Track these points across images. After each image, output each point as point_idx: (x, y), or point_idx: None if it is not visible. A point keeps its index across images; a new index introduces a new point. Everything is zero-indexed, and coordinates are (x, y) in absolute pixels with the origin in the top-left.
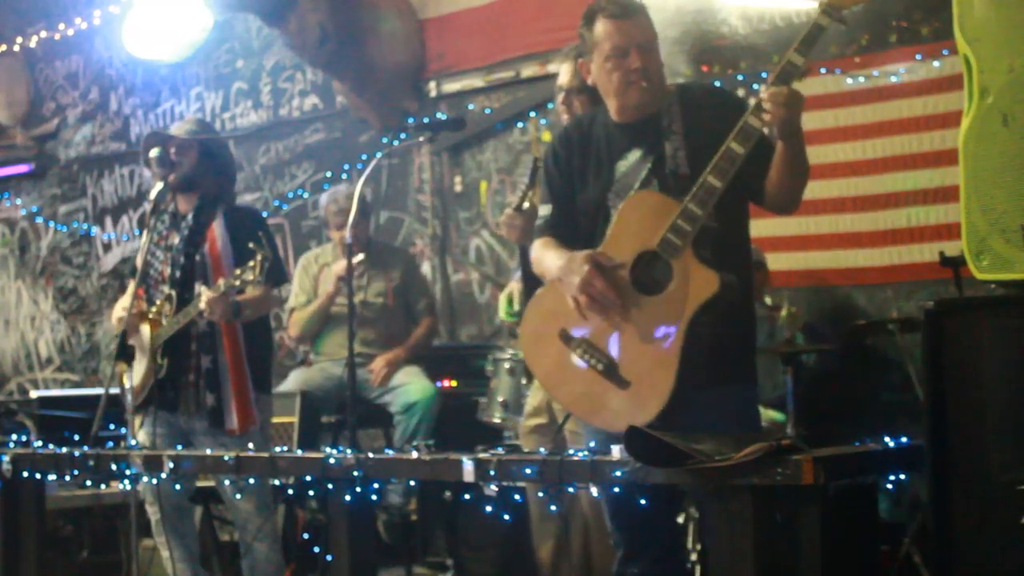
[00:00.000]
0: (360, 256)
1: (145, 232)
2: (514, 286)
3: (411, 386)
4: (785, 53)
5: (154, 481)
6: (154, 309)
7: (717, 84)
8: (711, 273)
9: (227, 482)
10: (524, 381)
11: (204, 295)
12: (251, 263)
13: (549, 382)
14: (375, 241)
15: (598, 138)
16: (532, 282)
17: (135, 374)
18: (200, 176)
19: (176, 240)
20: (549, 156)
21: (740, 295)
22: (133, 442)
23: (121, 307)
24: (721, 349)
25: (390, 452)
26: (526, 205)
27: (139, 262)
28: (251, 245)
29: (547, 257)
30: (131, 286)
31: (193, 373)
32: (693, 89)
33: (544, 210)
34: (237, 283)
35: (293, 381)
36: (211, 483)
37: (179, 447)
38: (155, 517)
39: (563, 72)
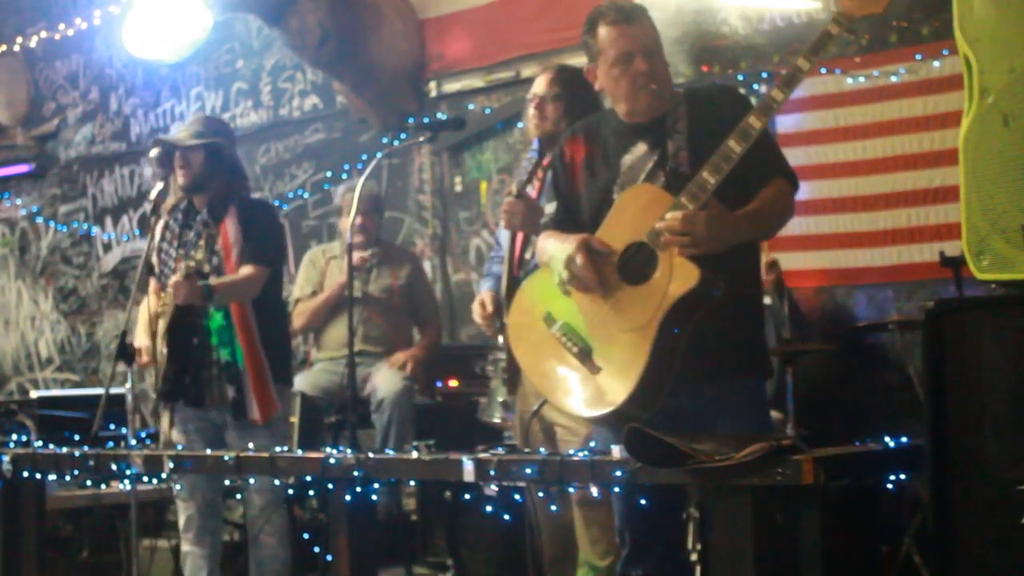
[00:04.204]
0: (370, 250)
1: (154, 231)
2: (486, 295)
3: (380, 384)
4: (793, 59)
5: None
6: (161, 305)
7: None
8: (693, 268)
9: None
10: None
11: (171, 282)
12: (200, 242)
13: (527, 363)
14: (384, 240)
15: (605, 134)
16: (513, 281)
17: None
18: (208, 177)
19: (190, 236)
20: (556, 157)
21: (748, 293)
22: (133, 442)
23: (145, 308)
24: (730, 340)
25: (390, 452)
26: (528, 189)
27: (154, 260)
28: (217, 244)
29: (548, 243)
30: (151, 288)
31: (214, 367)
32: (700, 91)
33: (550, 208)
34: (192, 263)
35: (297, 385)
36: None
37: (206, 444)
38: (187, 512)
39: (539, 81)
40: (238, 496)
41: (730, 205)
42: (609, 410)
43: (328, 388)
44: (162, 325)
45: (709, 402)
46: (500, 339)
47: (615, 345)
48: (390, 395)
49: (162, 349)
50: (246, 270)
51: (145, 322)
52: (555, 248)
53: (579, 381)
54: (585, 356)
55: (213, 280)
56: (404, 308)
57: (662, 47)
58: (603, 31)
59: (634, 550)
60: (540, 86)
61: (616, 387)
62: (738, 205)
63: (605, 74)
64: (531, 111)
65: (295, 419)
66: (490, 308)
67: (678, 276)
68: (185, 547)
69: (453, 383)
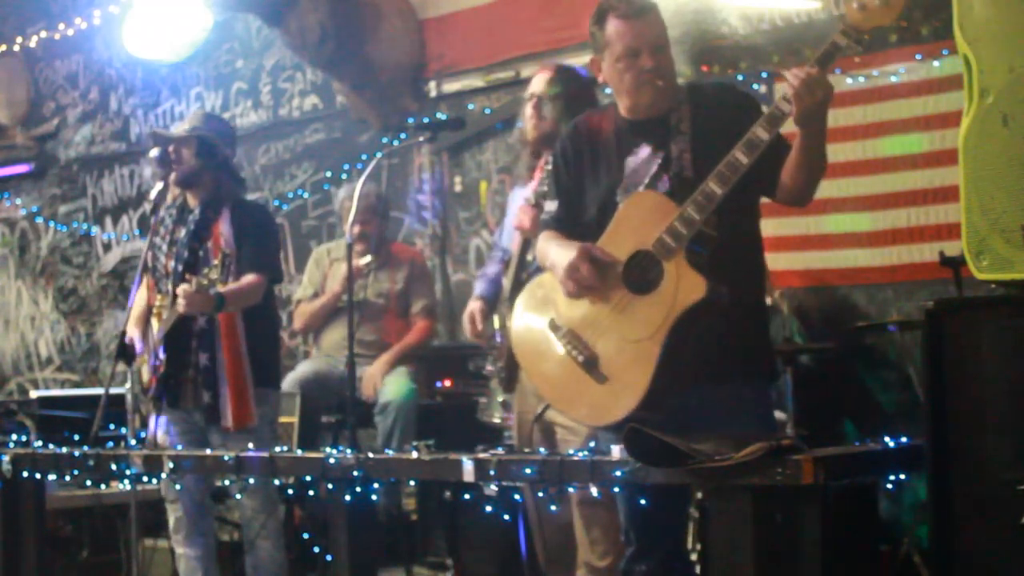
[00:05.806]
0: (367, 258)
1: (151, 230)
2: (476, 310)
3: (387, 386)
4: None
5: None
6: (157, 303)
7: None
8: (700, 279)
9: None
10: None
11: (180, 292)
12: (215, 261)
13: (532, 369)
14: (387, 241)
15: (608, 134)
16: (518, 283)
17: (145, 370)
18: (199, 172)
19: (182, 234)
20: (558, 153)
21: (752, 296)
22: (133, 442)
23: (133, 304)
24: (735, 346)
25: (390, 452)
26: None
27: (148, 258)
28: (208, 244)
29: (549, 248)
30: (144, 283)
31: (192, 370)
32: (704, 89)
33: (550, 206)
34: (205, 282)
35: (296, 370)
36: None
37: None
38: (175, 514)
39: (536, 80)
40: (238, 496)
41: (746, 203)
42: (615, 421)
43: (327, 373)
44: (156, 324)
45: (714, 407)
46: (498, 338)
47: (622, 355)
48: (396, 398)
49: (161, 355)
50: (249, 278)
51: (136, 316)
52: (557, 255)
53: (585, 390)
54: (591, 365)
55: (222, 289)
56: (401, 312)
57: (669, 43)
58: (612, 24)
59: (639, 548)
60: (537, 85)
61: (624, 399)
62: (752, 204)
63: (610, 67)
64: (528, 111)
65: (295, 419)
66: (480, 326)
67: (685, 286)
68: (177, 549)
69: (452, 383)
